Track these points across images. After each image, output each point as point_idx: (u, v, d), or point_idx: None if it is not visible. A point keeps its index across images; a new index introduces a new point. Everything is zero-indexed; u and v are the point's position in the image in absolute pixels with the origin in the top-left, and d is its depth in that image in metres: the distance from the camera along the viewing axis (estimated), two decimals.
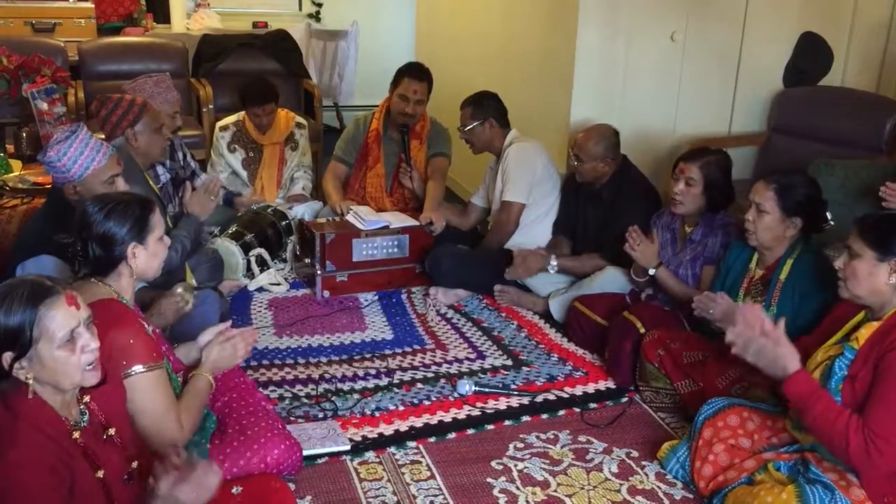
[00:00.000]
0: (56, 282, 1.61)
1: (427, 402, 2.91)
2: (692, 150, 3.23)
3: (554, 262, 3.56)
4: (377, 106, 4.22)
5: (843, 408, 2.05)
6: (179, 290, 2.61)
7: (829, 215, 2.72)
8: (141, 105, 3.14)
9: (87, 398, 1.69)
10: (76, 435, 1.61)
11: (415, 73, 4.02)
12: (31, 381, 1.56)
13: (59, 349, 1.56)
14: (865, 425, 1.99)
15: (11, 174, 3.82)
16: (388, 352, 3.30)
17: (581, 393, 3.02)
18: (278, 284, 3.88)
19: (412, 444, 2.65)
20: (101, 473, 1.63)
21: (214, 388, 2.22)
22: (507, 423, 2.80)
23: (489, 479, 2.48)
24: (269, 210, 4.17)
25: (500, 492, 2.42)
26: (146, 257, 2.09)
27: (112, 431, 1.72)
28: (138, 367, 1.93)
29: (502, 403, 2.92)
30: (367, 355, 3.26)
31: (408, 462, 2.56)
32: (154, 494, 1.60)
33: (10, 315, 1.53)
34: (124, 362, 1.91)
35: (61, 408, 1.62)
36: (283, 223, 4.13)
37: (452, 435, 2.72)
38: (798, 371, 2.10)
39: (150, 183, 3.22)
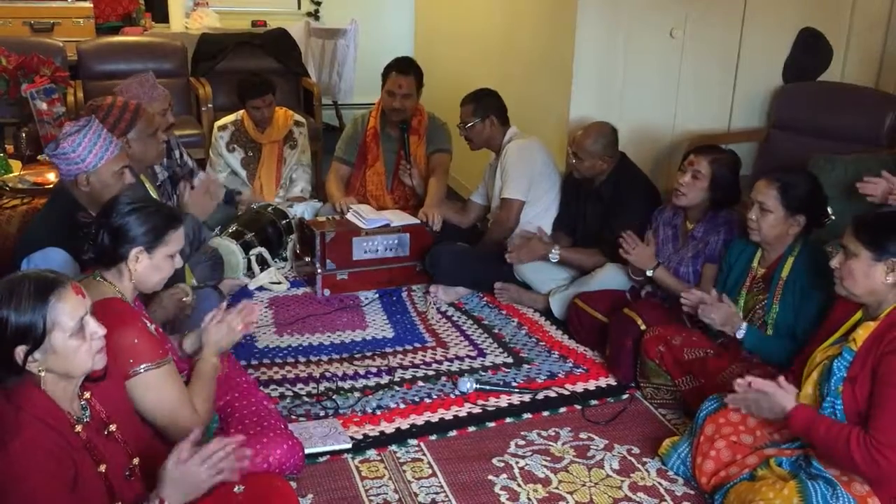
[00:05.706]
0: (58, 274, 1.65)
1: (428, 400, 2.91)
2: (706, 145, 3.24)
3: (556, 251, 3.56)
4: (376, 104, 4.21)
5: (843, 425, 2.07)
6: (179, 285, 2.63)
7: (829, 210, 2.72)
8: (134, 110, 2.96)
9: (87, 394, 1.72)
10: (78, 429, 1.65)
11: (400, 68, 4.02)
12: (42, 374, 1.60)
13: (71, 338, 1.60)
14: (869, 435, 1.99)
15: (11, 174, 3.81)
16: (388, 350, 3.30)
17: (582, 390, 3.02)
18: (279, 283, 3.88)
19: (413, 441, 2.66)
20: (102, 468, 1.66)
21: (220, 370, 2.24)
22: (508, 420, 2.80)
23: (490, 477, 2.48)
24: (269, 209, 4.17)
25: (501, 489, 2.42)
26: (149, 268, 2.09)
27: (113, 428, 1.75)
28: (146, 365, 1.97)
29: (503, 401, 2.92)
30: (368, 353, 3.26)
31: (409, 460, 2.56)
32: (162, 474, 1.67)
33: (21, 311, 1.56)
34: (131, 360, 1.95)
35: (64, 402, 1.65)
36: (284, 222, 4.13)
37: (454, 432, 2.72)
38: (794, 407, 2.16)
39: (148, 186, 3.19)
